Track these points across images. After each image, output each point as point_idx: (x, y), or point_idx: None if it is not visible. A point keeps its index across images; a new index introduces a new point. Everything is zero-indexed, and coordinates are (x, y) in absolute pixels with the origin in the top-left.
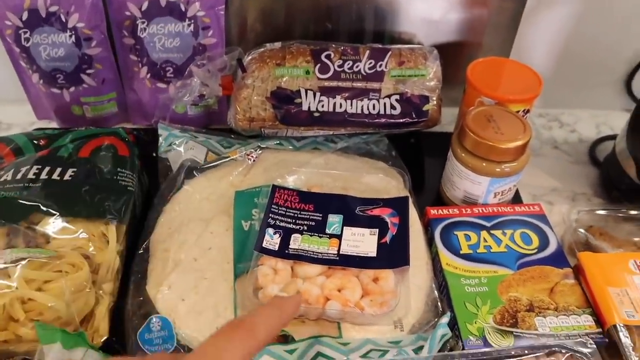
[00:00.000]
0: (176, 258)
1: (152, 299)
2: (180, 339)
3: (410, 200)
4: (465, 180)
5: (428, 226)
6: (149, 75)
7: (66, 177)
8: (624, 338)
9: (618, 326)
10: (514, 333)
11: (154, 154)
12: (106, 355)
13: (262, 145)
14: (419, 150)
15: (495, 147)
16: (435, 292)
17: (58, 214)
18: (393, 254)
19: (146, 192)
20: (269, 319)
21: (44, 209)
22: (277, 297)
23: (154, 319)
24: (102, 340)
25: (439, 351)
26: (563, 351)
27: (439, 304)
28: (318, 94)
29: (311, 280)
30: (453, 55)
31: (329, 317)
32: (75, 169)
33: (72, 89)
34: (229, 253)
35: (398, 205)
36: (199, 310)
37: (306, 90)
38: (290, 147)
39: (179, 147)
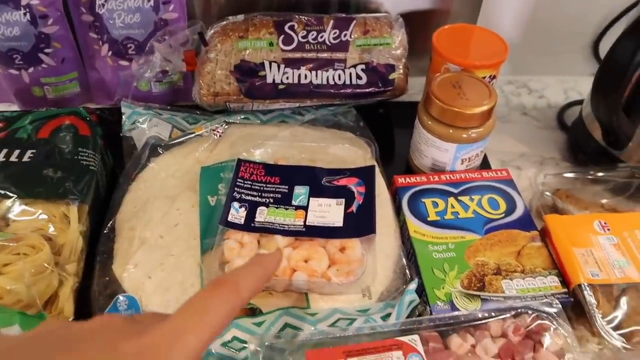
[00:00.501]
0: (142, 236)
1: (118, 278)
2: None
3: (378, 170)
4: (432, 148)
5: (396, 195)
6: (110, 53)
7: (25, 158)
8: (589, 297)
9: (583, 285)
10: (481, 297)
11: (121, 134)
12: None
13: (228, 120)
14: (387, 120)
15: (460, 113)
16: (404, 259)
17: (16, 196)
18: (359, 223)
19: (110, 172)
20: (251, 275)
21: (2, 191)
22: (258, 254)
23: (121, 298)
24: None
25: (407, 317)
26: (529, 312)
27: (407, 271)
28: (282, 65)
29: None
30: (421, 24)
31: (296, 288)
32: (34, 150)
33: (31, 69)
34: (196, 229)
35: (364, 175)
36: (165, 287)
37: (270, 63)
38: (257, 121)
39: (142, 125)
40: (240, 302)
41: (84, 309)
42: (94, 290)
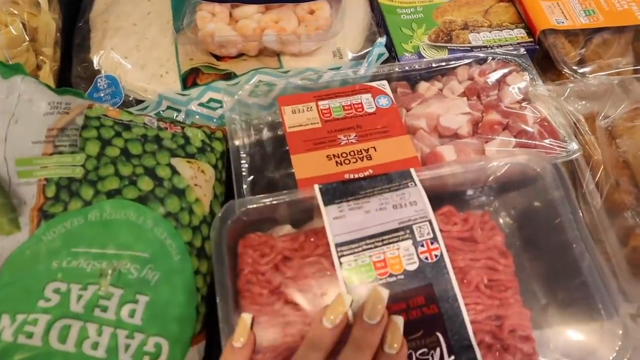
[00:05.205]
0: (116, 26)
1: (95, 63)
2: (127, 92)
3: None
4: None
5: None
6: None
7: None
8: (553, 39)
9: (548, 31)
10: (448, 47)
11: None
12: (41, 82)
13: None
14: None
15: None
16: (374, 26)
17: None
18: None
19: None
20: None
21: None
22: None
23: (101, 78)
24: None
25: None
26: (495, 58)
27: (377, 36)
28: None
29: (249, 18)
30: None
31: (267, 45)
32: None
33: None
34: (168, 13)
35: None
36: (142, 64)
37: None
38: None
39: None
40: None
41: None
42: (74, 75)
